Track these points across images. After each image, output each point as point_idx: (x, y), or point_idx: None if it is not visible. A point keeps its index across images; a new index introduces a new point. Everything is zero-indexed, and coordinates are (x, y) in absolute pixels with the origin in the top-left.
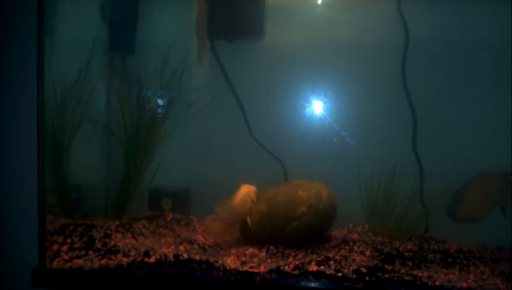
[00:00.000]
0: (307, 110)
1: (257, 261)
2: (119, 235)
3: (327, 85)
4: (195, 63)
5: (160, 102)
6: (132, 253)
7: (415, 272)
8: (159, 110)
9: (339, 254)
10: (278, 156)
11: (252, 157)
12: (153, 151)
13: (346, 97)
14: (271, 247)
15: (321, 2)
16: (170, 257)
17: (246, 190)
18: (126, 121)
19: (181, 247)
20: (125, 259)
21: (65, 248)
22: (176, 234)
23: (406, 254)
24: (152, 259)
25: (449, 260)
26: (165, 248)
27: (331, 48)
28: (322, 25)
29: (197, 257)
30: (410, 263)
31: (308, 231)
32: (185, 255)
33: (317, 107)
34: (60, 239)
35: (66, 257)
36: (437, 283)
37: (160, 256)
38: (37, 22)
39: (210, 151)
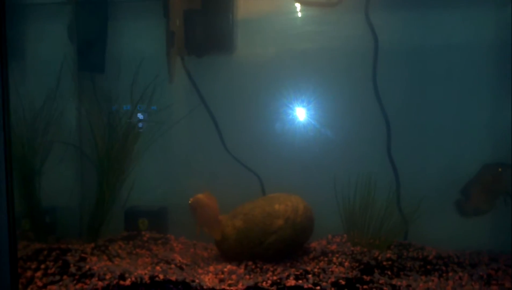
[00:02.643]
0: (282, 122)
1: (236, 278)
2: (94, 258)
3: (301, 96)
4: (166, 80)
5: (134, 118)
6: (107, 276)
7: (394, 281)
8: (133, 127)
9: (317, 266)
10: (254, 170)
11: (229, 171)
12: (127, 170)
13: (321, 107)
14: (250, 263)
15: (290, 14)
16: (146, 278)
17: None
18: (98, 140)
19: (158, 268)
20: (100, 283)
21: (39, 274)
22: (153, 254)
23: (385, 263)
24: (128, 282)
25: (428, 267)
26: (141, 269)
27: (303, 58)
28: (293, 37)
29: (173, 278)
30: (389, 272)
31: (286, 244)
32: (161, 276)
33: (292, 119)
34: (34, 265)
35: (40, 283)
36: None
37: (136, 278)
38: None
39: (186, 167)
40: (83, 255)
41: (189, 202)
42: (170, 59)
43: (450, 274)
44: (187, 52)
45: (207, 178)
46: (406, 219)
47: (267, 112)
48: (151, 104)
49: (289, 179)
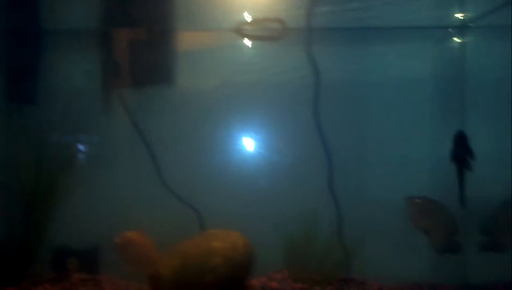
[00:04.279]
0: (223, 156)
1: None
2: None
3: (242, 131)
4: (101, 112)
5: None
6: None
7: None
8: (64, 161)
9: None
10: (193, 205)
11: (167, 207)
12: (55, 207)
13: (262, 141)
14: None
15: (233, 48)
16: None
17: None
18: (23, 175)
19: None
20: None
21: None
22: None
23: None
24: None
25: None
26: None
27: (244, 92)
28: (235, 70)
29: None
30: None
31: (225, 283)
32: None
33: (233, 153)
34: None
35: None
36: None
37: None
38: None
39: (121, 203)
40: None
41: (116, 240)
42: (106, 90)
43: None
44: (126, 84)
45: (143, 215)
46: (348, 253)
47: (207, 146)
48: (86, 137)
49: (229, 215)
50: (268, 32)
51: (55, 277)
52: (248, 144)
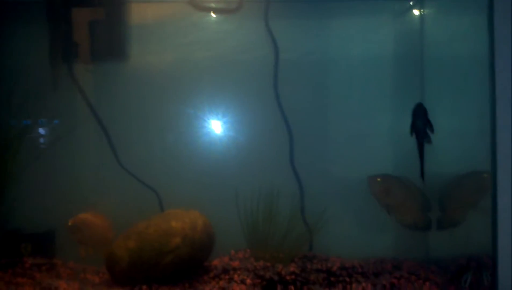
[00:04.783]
0: (179, 133)
1: None
2: None
3: (200, 106)
4: (50, 89)
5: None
6: None
7: None
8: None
9: (217, 286)
10: (150, 185)
11: (123, 187)
12: (4, 189)
13: (220, 117)
14: (144, 287)
15: (189, 21)
16: None
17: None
18: None
19: None
20: None
21: None
22: (36, 282)
23: (288, 277)
24: None
25: (332, 279)
26: None
27: (200, 67)
28: (189, 44)
29: None
30: (292, 287)
31: (184, 264)
32: None
33: (189, 129)
34: None
35: None
36: None
37: None
38: None
39: (76, 184)
40: None
41: (68, 223)
42: (55, 66)
43: (354, 285)
44: (76, 59)
45: (98, 195)
46: (310, 230)
47: (163, 123)
48: (34, 115)
49: (188, 194)
50: (224, 4)
51: (7, 263)
52: (206, 121)
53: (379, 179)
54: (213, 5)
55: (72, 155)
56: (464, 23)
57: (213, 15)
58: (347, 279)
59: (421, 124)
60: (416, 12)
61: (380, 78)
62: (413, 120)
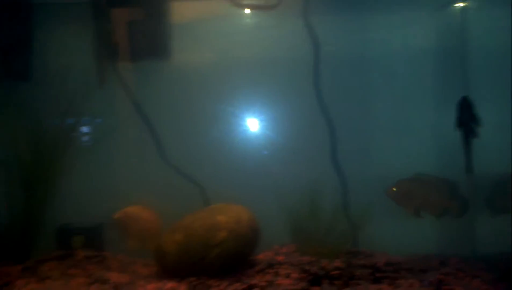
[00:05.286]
0: (223, 129)
1: None
2: (21, 281)
3: (243, 103)
4: (97, 87)
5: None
6: None
7: None
8: (63, 137)
9: (264, 279)
10: (195, 180)
11: (169, 182)
12: (57, 184)
13: (263, 114)
14: (192, 279)
15: (229, 19)
16: None
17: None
18: (22, 153)
19: (92, 288)
20: None
21: None
22: (88, 274)
23: (333, 272)
24: None
25: (378, 274)
26: None
27: (241, 64)
28: (232, 42)
29: None
30: (338, 282)
31: (230, 258)
32: None
33: (234, 126)
34: None
35: None
36: None
37: None
38: None
39: (123, 179)
40: (7, 279)
41: (115, 216)
42: (101, 64)
43: (401, 281)
44: (120, 58)
45: (145, 190)
46: (354, 225)
47: (207, 119)
48: (81, 113)
49: (232, 189)
50: (264, 1)
51: (61, 255)
52: (249, 117)
53: (394, 189)
54: (252, 2)
55: (119, 152)
56: (506, 14)
57: (252, 11)
58: (393, 275)
59: (466, 118)
60: (458, 4)
61: (423, 71)
62: (458, 114)
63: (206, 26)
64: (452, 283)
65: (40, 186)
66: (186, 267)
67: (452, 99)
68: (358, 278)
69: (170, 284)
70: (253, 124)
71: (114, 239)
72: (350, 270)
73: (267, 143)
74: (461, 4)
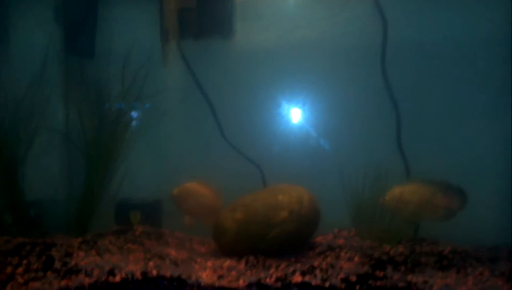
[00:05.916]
0: (284, 110)
1: (236, 274)
2: (81, 253)
3: (304, 85)
4: (160, 65)
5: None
6: (95, 273)
7: (409, 278)
8: (124, 114)
9: (325, 262)
10: (255, 160)
11: (228, 162)
12: (117, 160)
13: (326, 96)
14: (251, 258)
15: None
16: (138, 275)
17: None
18: (86, 129)
19: (151, 263)
20: (87, 280)
21: (20, 270)
22: (146, 249)
23: (397, 258)
24: (118, 278)
25: (444, 262)
26: (132, 265)
27: (305, 46)
28: (295, 22)
29: (167, 274)
30: (403, 268)
31: (291, 238)
32: (155, 272)
33: (294, 107)
34: (15, 261)
35: (21, 280)
36: (434, 289)
37: (127, 275)
38: None
39: (182, 157)
40: (69, 250)
41: (173, 192)
42: (165, 42)
43: (469, 269)
44: (183, 36)
45: (204, 168)
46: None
47: (269, 100)
48: (145, 90)
49: (292, 171)
50: None
51: (119, 230)
52: (312, 99)
53: (387, 198)
54: None
55: (179, 128)
56: None
57: None
58: (461, 263)
59: None
60: None
61: (491, 59)
62: None
63: (269, 6)
64: None
65: (102, 161)
66: (245, 245)
67: None
68: (424, 265)
69: (228, 262)
70: (318, 106)
71: (172, 215)
72: (414, 257)
73: (332, 126)
74: None
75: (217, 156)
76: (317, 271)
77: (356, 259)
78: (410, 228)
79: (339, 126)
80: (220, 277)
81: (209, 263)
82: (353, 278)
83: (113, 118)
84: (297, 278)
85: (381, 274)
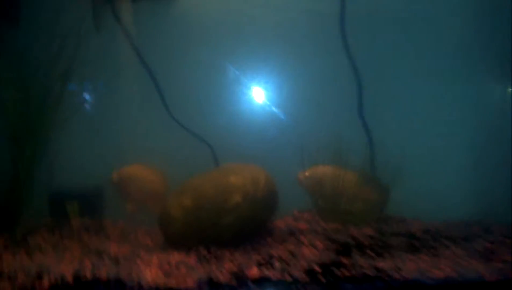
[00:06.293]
0: (237, 82)
1: (185, 270)
2: (8, 255)
3: (256, 54)
4: (92, 31)
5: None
6: (20, 277)
7: (379, 264)
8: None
9: (285, 250)
10: (204, 138)
11: (174, 140)
12: (48, 142)
13: (278, 67)
14: (202, 249)
15: None
16: (69, 278)
17: None
18: (9, 108)
19: (87, 263)
20: (8, 287)
21: None
22: (85, 245)
23: (365, 242)
24: (46, 283)
25: (415, 243)
26: (65, 266)
27: (260, 11)
28: None
29: (104, 275)
30: (371, 252)
31: (246, 225)
32: (88, 274)
33: (246, 78)
34: None
35: None
36: (406, 275)
37: (56, 278)
38: None
39: (123, 137)
40: None
41: (113, 176)
42: (97, 6)
43: (442, 250)
44: None
45: (149, 148)
46: (382, 189)
47: (218, 72)
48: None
49: (246, 148)
50: None
51: (53, 224)
52: (266, 72)
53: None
54: None
55: (118, 104)
56: None
57: None
58: (433, 244)
59: None
60: None
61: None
62: None
63: None
64: (500, 252)
65: (29, 144)
66: (195, 235)
67: None
68: (394, 248)
69: (176, 255)
70: (273, 78)
71: (114, 204)
72: (383, 239)
73: (287, 97)
74: None
75: (162, 134)
76: (276, 262)
77: (319, 245)
78: (377, 205)
79: (297, 97)
80: (167, 274)
81: (155, 258)
82: (317, 269)
83: (42, 95)
84: (254, 271)
85: (348, 261)
